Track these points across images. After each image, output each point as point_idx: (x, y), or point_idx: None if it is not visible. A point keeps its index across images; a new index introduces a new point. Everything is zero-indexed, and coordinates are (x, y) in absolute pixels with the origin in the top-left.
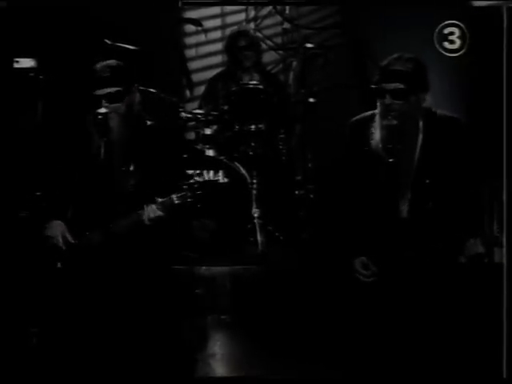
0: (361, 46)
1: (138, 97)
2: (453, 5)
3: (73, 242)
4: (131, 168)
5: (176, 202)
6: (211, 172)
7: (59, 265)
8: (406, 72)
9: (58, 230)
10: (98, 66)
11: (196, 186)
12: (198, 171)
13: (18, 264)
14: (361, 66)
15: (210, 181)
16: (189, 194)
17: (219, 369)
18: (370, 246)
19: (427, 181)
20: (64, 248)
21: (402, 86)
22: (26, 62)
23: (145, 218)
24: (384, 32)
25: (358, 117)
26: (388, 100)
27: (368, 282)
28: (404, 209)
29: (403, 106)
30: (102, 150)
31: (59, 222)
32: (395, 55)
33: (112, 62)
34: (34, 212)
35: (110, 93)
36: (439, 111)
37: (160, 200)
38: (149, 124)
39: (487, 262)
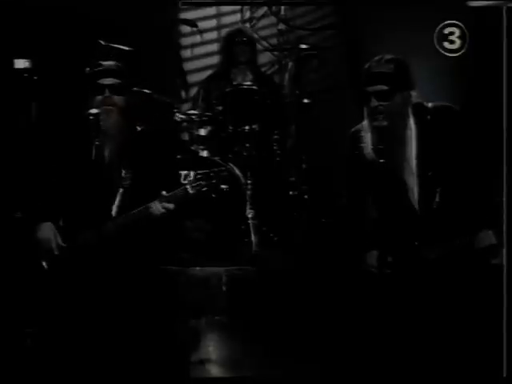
0: (356, 46)
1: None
2: (451, 5)
3: (63, 244)
4: (124, 171)
5: (191, 191)
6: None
7: (45, 265)
8: (387, 73)
9: (49, 232)
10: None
11: (211, 174)
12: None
13: (10, 265)
14: (356, 67)
15: (224, 169)
16: (203, 183)
17: (213, 370)
18: (382, 243)
19: (430, 173)
20: (56, 251)
21: (385, 88)
22: (20, 63)
23: (154, 211)
24: (381, 32)
25: (357, 126)
26: (373, 102)
27: (368, 282)
28: (413, 205)
29: (389, 107)
30: (94, 152)
31: (49, 223)
32: (376, 57)
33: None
34: (28, 213)
35: (111, 84)
36: (430, 103)
37: (166, 194)
38: (139, 129)
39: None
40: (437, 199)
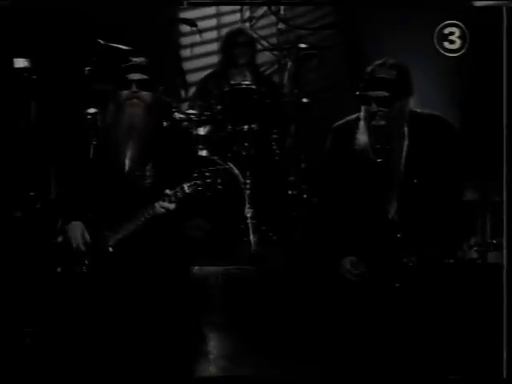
0: (356, 46)
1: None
2: (452, 5)
3: (90, 242)
4: (148, 167)
5: (188, 191)
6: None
7: (59, 269)
8: (390, 80)
9: (77, 230)
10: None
11: (206, 174)
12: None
13: (20, 265)
14: (355, 67)
15: (219, 169)
16: (199, 183)
17: (212, 368)
18: (360, 246)
19: (415, 180)
20: (83, 249)
21: (386, 94)
22: (19, 63)
23: (157, 211)
24: (381, 32)
25: (341, 121)
26: (373, 107)
27: (359, 282)
28: (393, 209)
29: (388, 113)
30: (92, 151)
31: (79, 222)
32: (379, 61)
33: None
34: (29, 212)
35: (139, 79)
36: (420, 110)
37: (170, 192)
38: (165, 125)
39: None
40: (420, 206)
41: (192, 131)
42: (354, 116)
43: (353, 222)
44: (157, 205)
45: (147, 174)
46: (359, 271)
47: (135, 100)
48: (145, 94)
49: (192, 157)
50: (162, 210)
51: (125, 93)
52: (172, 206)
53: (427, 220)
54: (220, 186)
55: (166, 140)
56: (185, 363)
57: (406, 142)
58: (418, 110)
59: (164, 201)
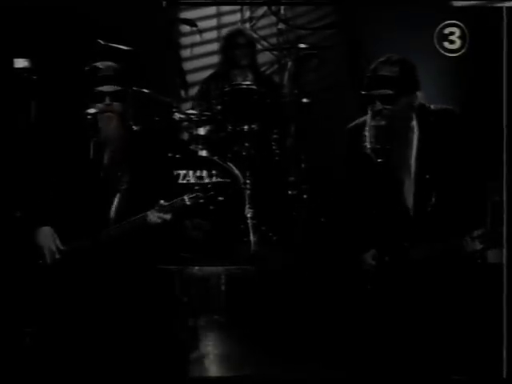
0: (356, 46)
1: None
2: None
3: (62, 248)
4: (121, 172)
5: (188, 202)
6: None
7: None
8: (392, 77)
9: (47, 236)
10: (100, 64)
11: (209, 186)
12: (203, 173)
13: (9, 266)
14: (355, 66)
15: (222, 181)
16: (201, 195)
17: (212, 369)
18: (378, 242)
19: (427, 176)
20: (56, 254)
21: (389, 92)
22: (19, 63)
23: (151, 221)
24: (381, 32)
25: (354, 122)
26: (378, 106)
27: (366, 280)
28: (409, 206)
29: (393, 110)
30: (92, 152)
31: (48, 228)
32: (382, 58)
33: (111, 63)
34: (27, 216)
35: (111, 91)
36: (433, 105)
37: (165, 203)
38: (135, 129)
39: (482, 260)
40: (432, 202)
41: (171, 133)
42: (364, 118)
43: (370, 221)
44: (150, 214)
45: (121, 178)
46: (378, 264)
47: (109, 113)
48: (117, 105)
49: (166, 159)
50: (159, 221)
51: (98, 106)
52: (168, 217)
53: (442, 214)
54: (221, 198)
55: (138, 143)
56: (183, 364)
57: (416, 137)
58: (432, 106)
59: (159, 211)
